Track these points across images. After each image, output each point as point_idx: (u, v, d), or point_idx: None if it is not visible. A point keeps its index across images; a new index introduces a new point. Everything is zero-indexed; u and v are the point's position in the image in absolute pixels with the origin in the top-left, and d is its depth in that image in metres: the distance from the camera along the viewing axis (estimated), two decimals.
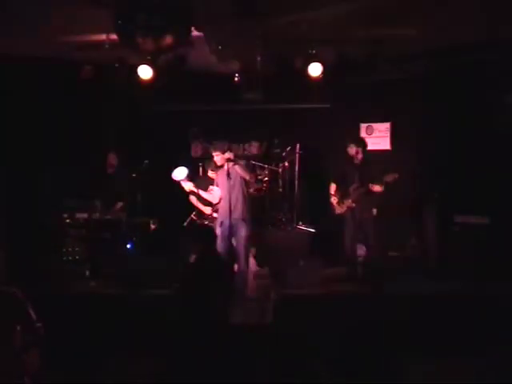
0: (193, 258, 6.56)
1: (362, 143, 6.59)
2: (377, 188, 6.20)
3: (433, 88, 7.28)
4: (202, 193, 6.51)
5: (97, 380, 4.34)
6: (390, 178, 6.12)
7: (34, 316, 3.17)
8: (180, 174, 6.53)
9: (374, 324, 4.92)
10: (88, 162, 7.35)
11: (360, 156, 6.49)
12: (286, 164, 7.79)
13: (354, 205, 6.41)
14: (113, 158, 7.12)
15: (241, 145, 8.48)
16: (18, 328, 3.03)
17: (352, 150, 6.50)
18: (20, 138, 6.98)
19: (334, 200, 6.62)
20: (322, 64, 6.39)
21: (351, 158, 6.54)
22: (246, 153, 8.36)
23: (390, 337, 4.69)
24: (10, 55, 6.59)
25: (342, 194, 6.56)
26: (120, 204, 6.99)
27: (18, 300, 3.20)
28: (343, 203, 6.53)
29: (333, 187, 6.68)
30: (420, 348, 4.56)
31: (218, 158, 5.88)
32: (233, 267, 5.81)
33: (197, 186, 6.51)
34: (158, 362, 4.33)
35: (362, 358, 4.42)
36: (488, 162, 6.65)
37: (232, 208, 5.73)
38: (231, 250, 5.88)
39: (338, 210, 6.58)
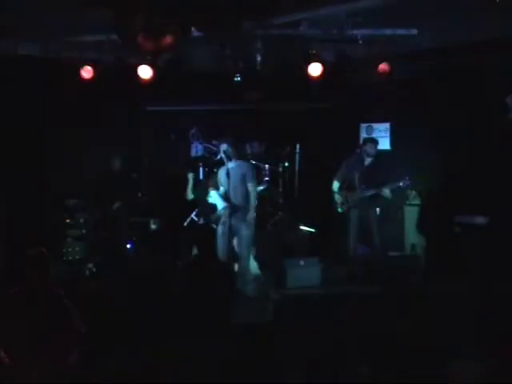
0: (192, 257, 6.56)
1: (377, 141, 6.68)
2: (387, 193, 6.25)
3: (433, 88, 7.28)
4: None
5: (97, 380, 4.34)
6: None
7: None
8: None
9: (374, 324, 4.92)
10: (88, 161, 7.36)
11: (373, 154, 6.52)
12: (286, 164, 7.79)
13: (357, 204, 6.43)
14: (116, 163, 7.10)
15: (241, 145, 8.46)
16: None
17: (372, 149, 6.51)
18: (21, 138, 6.98)
19: (337, 198, 6.63)
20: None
21: (361, 158, 6.55)
22: (246, 153, 8.35)
23: (389, 336, 4.68)
24: (10, 55, 6.59)
25: (346, 193, 6.57)
26: (117, 204, 6.96)
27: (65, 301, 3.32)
28: (347, 202, 6.54)
29: (336, 185, 6.68)
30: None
31: (226, 150, 5.77)
32: (233, 267, 5.80)
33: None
34: (159, 362, 4.33)
35: (361, 358, 4.42)
36: (488, 162, 6.65)
37: (233, 208, 5.71)
38: (232, 250, 5.87)
39: (342, 208, 6.59)
